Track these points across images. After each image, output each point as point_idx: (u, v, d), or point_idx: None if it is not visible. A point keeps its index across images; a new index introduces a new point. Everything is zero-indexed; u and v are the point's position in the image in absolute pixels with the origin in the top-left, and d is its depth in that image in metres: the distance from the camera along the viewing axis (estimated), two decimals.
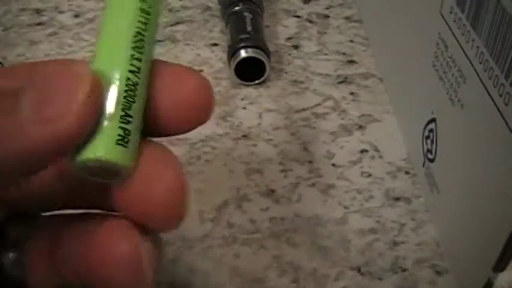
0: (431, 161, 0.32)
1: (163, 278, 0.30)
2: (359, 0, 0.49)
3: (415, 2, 0.33)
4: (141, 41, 0.19)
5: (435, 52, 0.30)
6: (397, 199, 0.33)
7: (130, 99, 0.19)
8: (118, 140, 0.19)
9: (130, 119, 0.19)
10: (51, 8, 0.50)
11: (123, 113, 0.19)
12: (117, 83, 0.19)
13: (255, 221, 0.32)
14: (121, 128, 0.19)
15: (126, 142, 0.19)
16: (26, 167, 0.19)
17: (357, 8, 0.48)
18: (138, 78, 0.19)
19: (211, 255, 0.30)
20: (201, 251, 0.30)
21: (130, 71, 0.19)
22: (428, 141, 0.32)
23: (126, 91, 0.19)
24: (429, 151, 0.32)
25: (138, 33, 0.19)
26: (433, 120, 0.32)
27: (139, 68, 0.19)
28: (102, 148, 0.19)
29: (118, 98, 0.19)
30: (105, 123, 0.19)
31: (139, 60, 0.19)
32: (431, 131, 0.32)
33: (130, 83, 0.19)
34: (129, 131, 0.19)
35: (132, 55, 0.19)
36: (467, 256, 0.28)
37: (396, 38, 0.38)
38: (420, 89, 0.33)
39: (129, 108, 0.19)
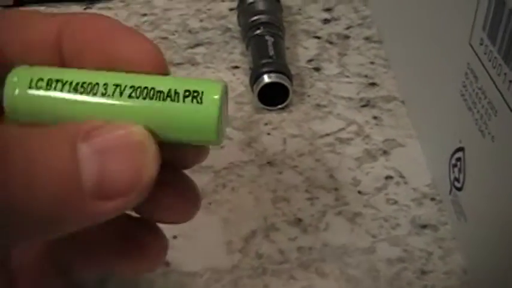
0: (459, 189, 0.32)
1: None
2: (379, 20, 0.49)
3: (442, 29, 0.33)
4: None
5: (463, 82, 0.30)
6: (424, 227, 0.33)
7: None
8: None
9: None
10: None
11: None
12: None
13: (284, 251, 0.32)
14: None
15: None
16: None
17: (376, 28, 0.49)
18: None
19: (241, 287, 0.30)
20: (230, 283, 0.30)
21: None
22: (456, 169, 0.32)
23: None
24: (456, 179, 0.32)
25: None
26: (461, 149, 0.32)
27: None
28: None
29: None
30: None
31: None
32: (459, 159, 0.32)
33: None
34: None
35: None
36: (494, 285, 0.28)
37: (419, 61, 0.38)
38: (446, 116, 0.33)
39: None
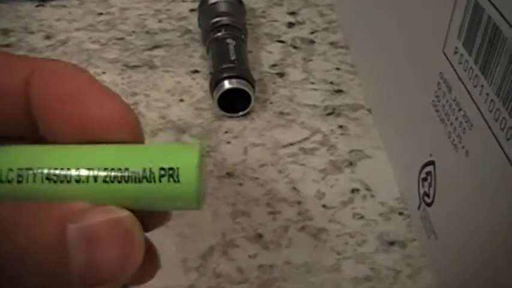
0: (429, 204, 0.30)
1: None
2: (345, 24, 0.47)
3: (413, 35, 0.31)
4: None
5: (435, 92, 0.29)
6: (392, 243, 0.32)
7: None
8: None
9: None
10: (20, 28, 0.48)
11: None
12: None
13: (243, 270, 0.30)
14: None
15: None
16: None
17: (342, 33, 0.47)
18: None
19: None
20: None
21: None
22: (426, 183, 0.31)
23: None
24: (426, 194, 0.31)
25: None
26: (431, 163, 0.30)
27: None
28: None
29: None
30: None
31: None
32: (428, 173, 0.30)
33: None
34: None
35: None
36: None
37: (387, 68, 0.36)
38: (416, 127, 0.31)
39: None
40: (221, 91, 0.37)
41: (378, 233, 0.32)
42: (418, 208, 0.32)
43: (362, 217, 0.33)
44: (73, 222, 0.17)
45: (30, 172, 0.19)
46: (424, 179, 0.31)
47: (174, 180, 0.18)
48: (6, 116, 0.20)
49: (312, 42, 0.46)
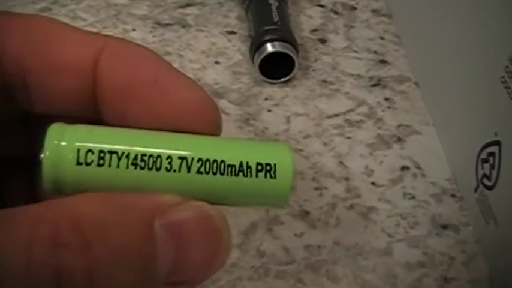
0: (489, 188, 0.28)
1: None
2: None
3: None
4: None
5: (507, 67, 0.26)
6: (445, 227, 0.29)
7: None
8: None
9: None
10: None
11: None
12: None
13: (289, 249, 0.28)
14: None
15: None
16: None
17: (384, 1, 0.44)
18: None
19: None
20: (228, 284, 0.26)
21: None
22: (487, 165, 0.28)
23: None
24: (486, 177, 0.28)
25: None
26: (495, 143, 0.28)
27: None
28: None
29: None
30: None
31: None
32: (492, 154, 0.28)
33: None
34: None
35: None
36: None
37: (439, 39, 0.33)
38: (477, 105, 0.29)
39: None
40: (263, 55, 0.35)
41: (430, 215, 0.30)
42: (475, 191, 0.29)
43: (413, 197, 0.31)
44: (162, 219, 0.16)
45: (114, 156, 0.17)
46: (485, 160, 0.29)
47: (271, 176, 0.18)
48: (70, 94, 0.19)
49: (354, 8, 0.43)
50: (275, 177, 0.18)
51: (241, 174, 0.17)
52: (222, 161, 0.17)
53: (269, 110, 0.34)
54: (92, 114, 0.19)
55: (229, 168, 0.17)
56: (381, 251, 0.28)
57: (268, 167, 0.18)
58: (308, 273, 0.27)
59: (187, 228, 0.16)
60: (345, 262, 0.27)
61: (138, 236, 0.16)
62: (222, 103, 0.35)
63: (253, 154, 0.18)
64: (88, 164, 0.16)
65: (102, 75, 0.18)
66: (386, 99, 0.36)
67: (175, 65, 0.37)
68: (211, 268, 0.17)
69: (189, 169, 0.17)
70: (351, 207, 0.30)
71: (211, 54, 0.38)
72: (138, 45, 0.19)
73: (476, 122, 0.29)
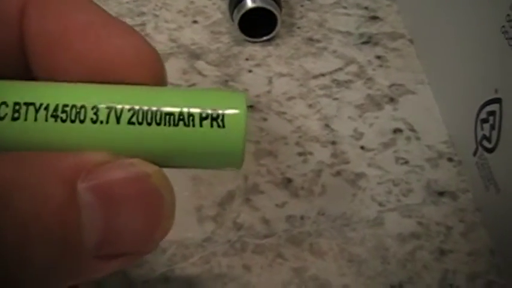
0: (490, 150, 0.26)
1: None
2: None
3: None
4: None
5: (508, 15, 0.24)
6: (441, 194, 0.27)
7: None
8: None
9: None
10: None
11: None
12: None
13: (269, 221, 0.25)
14: None
15: None
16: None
17: None
18: None
19: (214, 267, 0.24)
20: (201, 260, 0.24)
21: None
22: (487, 125, 0.26)
23: None
24: (486, 138, 0.26)
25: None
26: (496, 100, 0.25)
27: None
28: None
29: None
30: None
31: None
32: (492, 113, 0.26)
33: None
34: None
35: None
36: None
37: None
38: (475, 61, 0.27)
39: None
40: (243, 11, 0.32)
41: (425, 181, 0.28)
42: (474, 154, 0.27)
43: (406, 162, 0.28)
44: (86, 180, 0.14)
45: (31, 107, 0.14)
46: (485, 120, 0.26)
47: (218, 125, 0.15)
48: None
49: None
50: (223, 126, 0.15)
51: (181, 123, 0.15)
52: (158, 110, 0.15)
53: (250, 71, 0.32)
54: (22, 71, 0.17)
55: (167, 117, 0.15)
56: (370, 222, 0.26)
57: (214, 115, 0.15)
58: (289, 246, 0.25)
59: (118, 191, 0.14)
60: (330, 234, 0.25)
61: (56, 202, 0.14)
62: (199, 64, 0.32)
63: (197, 101, 0.15)
64: (1, 119, 0.14)
65: (29, 26, 0.17)
66: (378, 57, 0.33)
67: (150, 25, 0.35)
68: (151, 237, 0.15)
69: (118, 120, 0.15)
70: (338, 173, 0.27)
71: (189, 13, 0.36)
72: None
73: (474, 78, 0.27)
